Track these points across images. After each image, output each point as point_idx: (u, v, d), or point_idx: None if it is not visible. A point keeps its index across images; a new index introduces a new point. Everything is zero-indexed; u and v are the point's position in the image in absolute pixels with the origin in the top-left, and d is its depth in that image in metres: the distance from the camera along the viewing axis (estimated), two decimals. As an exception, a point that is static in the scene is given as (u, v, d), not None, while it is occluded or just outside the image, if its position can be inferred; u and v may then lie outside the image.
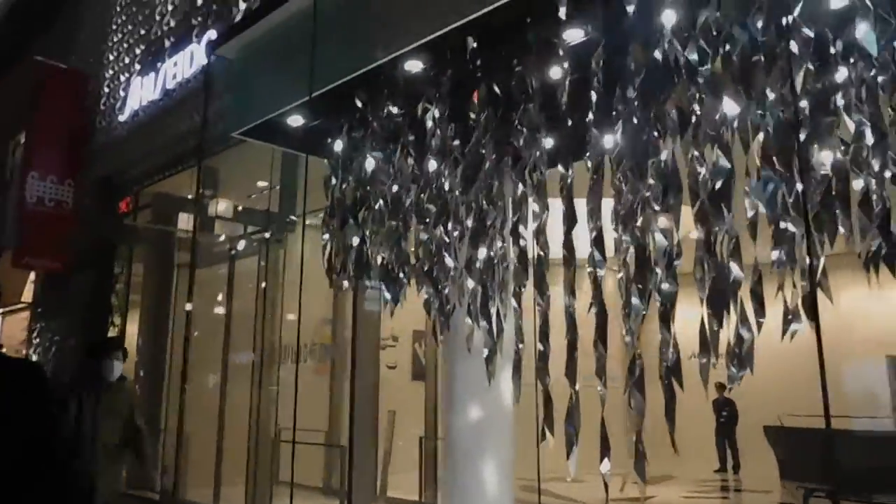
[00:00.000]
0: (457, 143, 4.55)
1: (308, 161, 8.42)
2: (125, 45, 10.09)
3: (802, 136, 3.19)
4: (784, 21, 3.09)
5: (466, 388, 6.22)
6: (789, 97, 3.03)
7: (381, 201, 4.99)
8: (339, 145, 5.36)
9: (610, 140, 3.67)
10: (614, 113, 3.58)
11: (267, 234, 8.28)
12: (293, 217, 8.62)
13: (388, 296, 4.98)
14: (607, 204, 3.83)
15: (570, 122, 3.83)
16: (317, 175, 8.58)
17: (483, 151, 4.31)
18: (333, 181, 5.36)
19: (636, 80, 3.42)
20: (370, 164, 5.02)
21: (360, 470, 7.62)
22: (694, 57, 3.29)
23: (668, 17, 3.39)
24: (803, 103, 3.14)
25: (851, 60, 3.14)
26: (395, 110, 4.84)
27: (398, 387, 9.97)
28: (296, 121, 5.53)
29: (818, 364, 3.01)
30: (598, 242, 3.84)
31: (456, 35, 4.14)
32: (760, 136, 3.33)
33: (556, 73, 3.94)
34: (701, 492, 11.06)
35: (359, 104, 4.85)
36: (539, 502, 6.02)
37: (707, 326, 3.42)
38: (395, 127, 4.75)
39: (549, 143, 4.08)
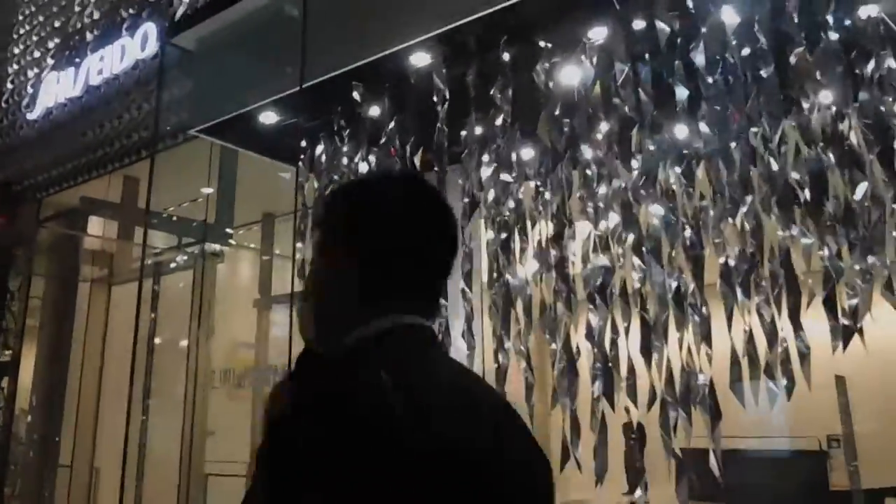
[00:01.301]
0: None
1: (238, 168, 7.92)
2: (35, 38, 9.13)
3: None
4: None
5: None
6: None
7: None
8: (320, 146, 4.91)
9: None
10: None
11: (198, 247, 7.58)
12: (229, 230, 7.97)
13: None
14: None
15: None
16: (250, 183, 8.08)
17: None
18: (315, 185, 4.89)
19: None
20: (363, 167, 4.60)
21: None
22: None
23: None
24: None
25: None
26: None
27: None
28: (268, 118, 5.03)
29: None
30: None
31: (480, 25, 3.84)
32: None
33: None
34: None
35: (357, 97, 4.43)
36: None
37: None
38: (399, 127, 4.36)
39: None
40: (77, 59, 8.10)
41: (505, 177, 4.01)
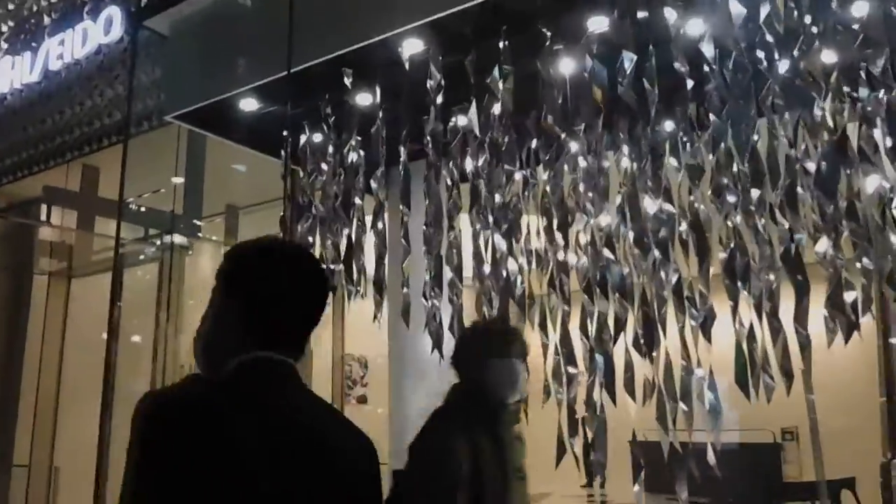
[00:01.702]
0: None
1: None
2: (-14, 20, 8.70)
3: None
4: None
5: (422, 411, 5.76)
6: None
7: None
8: (304, 135, 4.77)
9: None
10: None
11: (165, 239, 7.33)
12: (197, 221, 7.74)
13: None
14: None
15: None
16: (213, 174, 7.85)
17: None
18: (301, 175, 4.75)
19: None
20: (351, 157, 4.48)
21: None
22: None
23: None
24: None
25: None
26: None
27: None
28: (249, 104, 4.87)
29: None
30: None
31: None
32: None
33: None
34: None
35: (347, 84, 4.29)
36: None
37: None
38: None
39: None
40: (34, 44, 7.74)
41: (507, 167, 3.93)
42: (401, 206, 4.51)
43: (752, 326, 3.46)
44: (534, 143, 4.14)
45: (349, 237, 4.54)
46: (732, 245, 3.51)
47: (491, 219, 4.00)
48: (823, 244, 3.49)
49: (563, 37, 3.76)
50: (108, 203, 6.66)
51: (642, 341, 3.75)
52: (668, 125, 3.80)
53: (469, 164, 4.25)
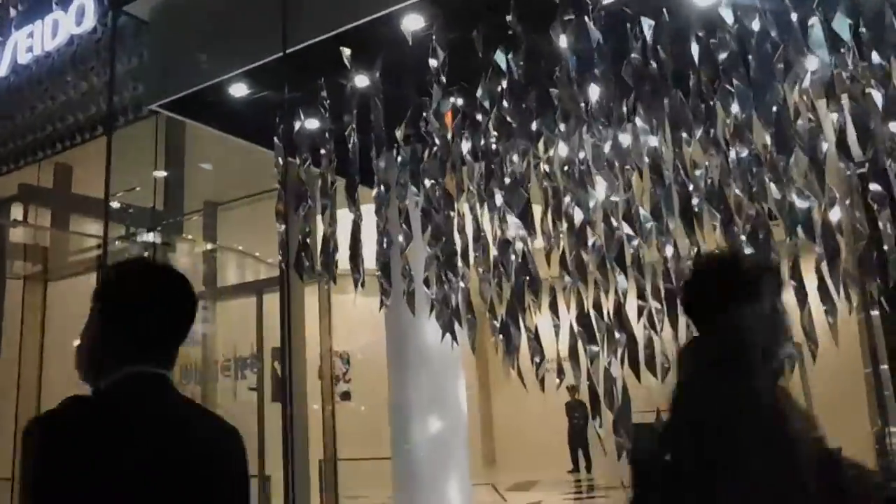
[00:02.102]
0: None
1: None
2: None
3: None
4: None
5: (424, 401, 5.65)
6: None
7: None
8: (298, 122, 4.59)
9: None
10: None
11: (147, 237, 7.09)
12: (179, 218, 7.50)
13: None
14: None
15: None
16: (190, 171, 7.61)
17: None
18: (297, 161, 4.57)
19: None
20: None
21: None
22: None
23: None
24: None
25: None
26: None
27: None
28: (239, 90, 4.69)
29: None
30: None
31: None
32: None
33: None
34: (570, 493, 11.40)
35: (346, 62, 4.12)
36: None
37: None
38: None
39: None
40: (0, 38, 7.42)
41: (520, 142, 3.80)
42: (406, 190, 4.38)
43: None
44: (539, 121, 4.02)
45: (354, 223, 4.38)
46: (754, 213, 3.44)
47: (500, 199, 3.88)
48: (836, 213, 3.46)
49: (574, 6, 3.64)
50: (89, 201, 6.39)
51: (656, 318, 3.69)
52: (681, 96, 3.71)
53: (465, 146, 4.13)
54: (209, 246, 8.93)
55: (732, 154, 3.48)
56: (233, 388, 9.58)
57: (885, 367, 5.80)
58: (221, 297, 9.48)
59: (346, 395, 10.09)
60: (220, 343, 9.57)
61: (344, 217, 4.52)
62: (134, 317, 1.44)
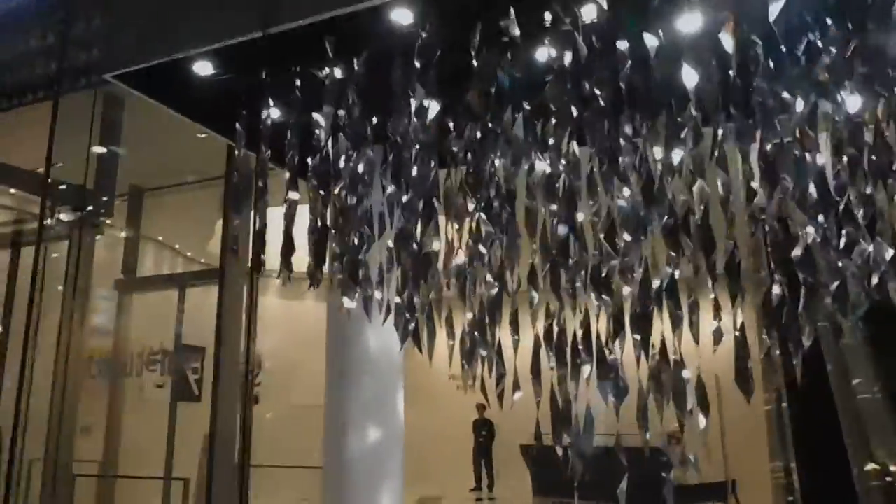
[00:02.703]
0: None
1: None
2: None
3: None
4: None
5: (363, 409, 5.50)
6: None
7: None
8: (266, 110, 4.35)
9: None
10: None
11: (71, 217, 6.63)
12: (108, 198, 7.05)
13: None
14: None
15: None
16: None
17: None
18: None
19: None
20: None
21: None
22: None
23: None
24: None
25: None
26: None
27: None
28: (204, 68, 4.43)
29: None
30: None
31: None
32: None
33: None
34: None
35: (329, 51, 3.94)
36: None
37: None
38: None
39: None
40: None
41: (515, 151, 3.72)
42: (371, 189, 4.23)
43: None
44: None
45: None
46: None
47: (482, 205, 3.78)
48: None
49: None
50: (20, 172, 5.93)
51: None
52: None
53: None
54: (127, 233, 8.48)
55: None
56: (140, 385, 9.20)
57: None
58: (140, 288, 9.05)
59: (254, 399, 9.81)
60: (133, 337, 9.13)
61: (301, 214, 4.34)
62: None
